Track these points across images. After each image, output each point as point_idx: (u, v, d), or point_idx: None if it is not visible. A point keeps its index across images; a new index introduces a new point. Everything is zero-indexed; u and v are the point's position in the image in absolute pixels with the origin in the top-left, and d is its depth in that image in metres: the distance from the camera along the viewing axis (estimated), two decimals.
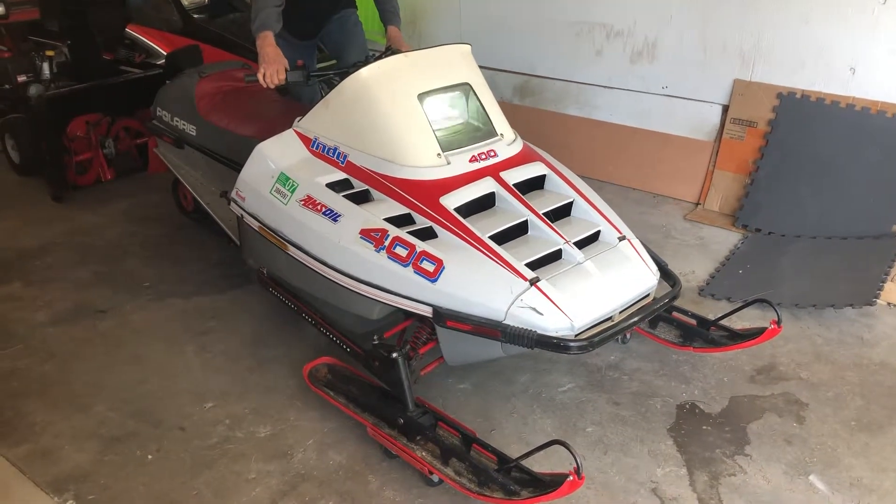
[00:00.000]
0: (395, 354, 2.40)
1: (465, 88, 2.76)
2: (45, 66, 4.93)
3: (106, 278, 3.69)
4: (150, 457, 2.54)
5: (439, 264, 2.32)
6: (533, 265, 2.33)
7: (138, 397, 2.83)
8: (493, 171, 2.61)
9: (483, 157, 2.64)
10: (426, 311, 2.36)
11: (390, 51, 3.21)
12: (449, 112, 2.73)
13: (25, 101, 4.74)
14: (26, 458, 2.54)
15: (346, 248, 2.49)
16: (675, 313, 2.97)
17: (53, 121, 4.39)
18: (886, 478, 2.42)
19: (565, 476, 2.00)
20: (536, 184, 2.72)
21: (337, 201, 2.58)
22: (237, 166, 2.99)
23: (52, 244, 4.04)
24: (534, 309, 2.21)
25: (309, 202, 2.64)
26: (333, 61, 4.03)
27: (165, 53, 4.93)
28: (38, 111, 4.35)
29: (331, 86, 2.92)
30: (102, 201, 4.56)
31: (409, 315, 2.61)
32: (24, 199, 4.63)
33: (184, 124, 3.58)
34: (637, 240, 2.61)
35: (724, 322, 2.90)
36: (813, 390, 2.84)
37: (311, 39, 3.86)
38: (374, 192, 2.61)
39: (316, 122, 2.81)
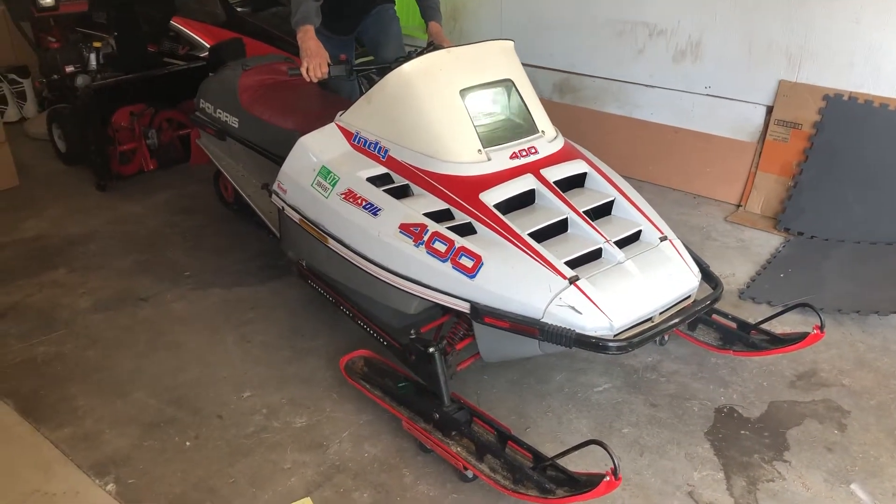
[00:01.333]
0: (431, 349, 2.41)
1: (507, 84, 2.75)
2: (92, 57, 5.03)
3: (147, 267, 3.75)
4: (188, 443, 2.58)
5: (478, 260, 2.31)
6: (572, 263, 2.31)
7: (178, 385, 2.87)
8: (534, 168, 2.60)
9: (524, 153, 2.63)
10: (464, 307, 2.36)
11: (432, 46, 3.21)
12: (490, 108, 2.73)
13: (73, 92, 4.86)
14: (69, 441, 2.60)
15: (385, 242, 2.50)
16: (714, 316, 2.93)
17: (99, 111, 4.46)
18: None
19: (602, 476, 1.98)
20: (577, 182, 2.70)
21: (377, 195, 2.59)
22: (279, 159, 3.02)
23: (95, 232, 4.13)
24: (573, 308, 2.20)
25: (350, 196, 2.65)
26: (371, 57, 4.04)
27: (209, 46, 4.99)
28: (85, 101, 4.44)
29: (371, 81, 2.93)
30: (145, 191, 4.64)
31: (446, 310, 2.61)
32: (70, 187, 4.74)
33: (226, 116, 3.62)
34: (679, 240, 2.57)
35: (764, 326, 2.86)
36: (855, 398, 2.78)
37: (348, 35, 3.87)
38: (414, 187, 2.61)
39: (358, 116, 2.82)
